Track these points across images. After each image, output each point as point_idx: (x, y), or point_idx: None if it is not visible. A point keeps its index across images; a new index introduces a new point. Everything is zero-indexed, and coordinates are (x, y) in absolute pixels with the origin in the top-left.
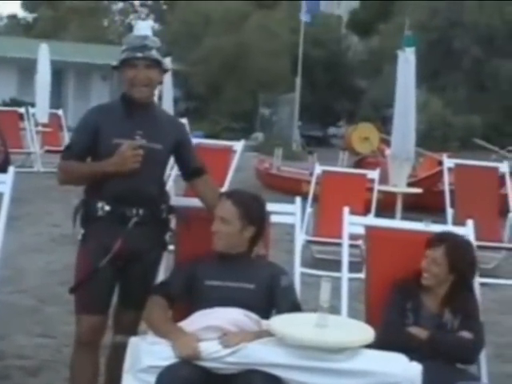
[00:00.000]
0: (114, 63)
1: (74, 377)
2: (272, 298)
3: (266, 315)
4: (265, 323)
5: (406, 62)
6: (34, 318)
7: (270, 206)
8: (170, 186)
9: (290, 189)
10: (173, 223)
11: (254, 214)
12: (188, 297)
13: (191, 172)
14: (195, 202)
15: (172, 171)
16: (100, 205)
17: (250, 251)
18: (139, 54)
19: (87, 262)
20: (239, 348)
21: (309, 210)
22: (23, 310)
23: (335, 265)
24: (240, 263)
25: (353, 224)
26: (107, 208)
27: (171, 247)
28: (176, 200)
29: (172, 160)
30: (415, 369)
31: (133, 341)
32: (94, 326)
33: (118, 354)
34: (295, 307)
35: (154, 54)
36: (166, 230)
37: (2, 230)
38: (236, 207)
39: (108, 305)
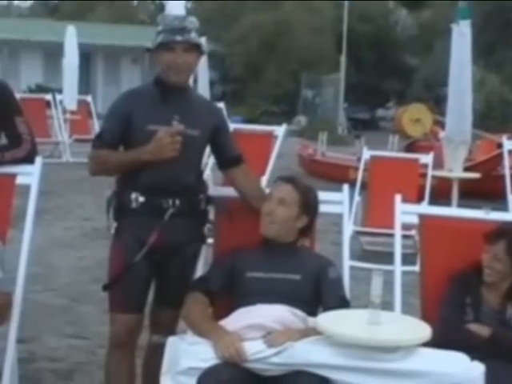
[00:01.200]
0: (149, 45)
1: (110, 380)
2: (319, 290)
3: (312, 309)
4: (312, 320)
5: (461, 36)
6: (66, 318)
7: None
8: (207, 175)
9: (335, 176)
10: (212, 215)
11: (310, 204)
12: (229, 292)
13: (228, 161)
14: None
15: (209, 159)
16: (134, 196)
17: (296, 242)
18: (179, 38)
19: (121, 257)
20: (285, 348)
21: (357, 198)
22: (54, 310)
23: (387, 257)
24: (285, 253)
25: (405, 213)
26: (141, 199)
27: (210, 240)
28: (215, 190)
29: (208, 148)
30: (477, 369)
31: (171, 341)
32: (129, 326)
33: (155, 355)
34: (344, 303)
35: (194, 36)
36: (204, 221)
37: (30, 224)
38: (297, 193)
39: (144, 302)
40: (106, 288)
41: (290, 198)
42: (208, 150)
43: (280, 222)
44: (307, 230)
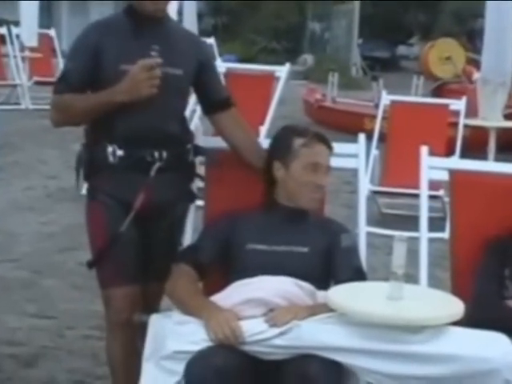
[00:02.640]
0: None
1: (120, 371)
2: (330, 262)
3: (323, 285)
4: (321, 295)
5: None
6: (28, 294)
7: None
8: (195, 124)
9: (348, 126)
10: (201, 170)
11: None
12: (223, 265)
13: (214, 104)
14: None
15: (197, 107)
16: (110, 149)
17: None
18: None
19: (104, 223)
20: (290, 327)
21: (374, 152)
22: (13, 284)
23: (410, 222)
24: (290, 220)
25: (433, 168)
26: (120, 152)
27: (199, 203)
28: (205, 140)
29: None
30: None
31: (154, 320)
32: (130, 298)
33: (135, 336)
34: (360, 275)
35: None
36: (192, 176)
37: None
38: (329, 153)
39: (138, 271)
40: (91, 264)
41: (329, 162)
42: (194, 95)
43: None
44: None
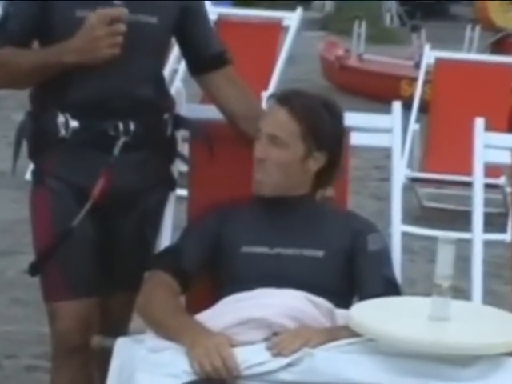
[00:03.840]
0: None
1: None
2: (353, 271)
3: (343, 301)
4: (341, 314)
5: None
6: None
7: (349, 119)
8: (177, 87)
9: (380, 91)
10: (184, 148)
11: (325, 132)
12: (212, 273)
13: (204, 61)
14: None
15: (180, 65)
16: (62, 119)
17: (314, 194)
18: None
19: (50, 218)
20: (300, 357)
21: (414, 126)
22: None
23: (459, 219)
24: (299, 214)
25: (491, 147)
26: (74, 124)
27: (182, 192)
28: (190, 109)
29: (176, 49)
30: None
31: (121, 346)
32: (84, 315)
33: (95, 365)
34: (392, 288)
35: None
36: (171, 156)
37: None
38: (296, 120)
39: (95, 280)
40: (34, 270)
41: (286, 131)
42: (176, 50)
43: (277, 173)
44: (330, 173)
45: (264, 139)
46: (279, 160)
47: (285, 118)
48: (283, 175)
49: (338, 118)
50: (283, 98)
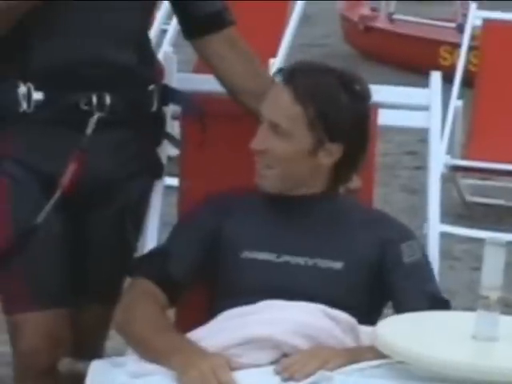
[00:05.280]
0: None
1: None
2: (385, 286)
3: (366, 317)
4: (366, 332)
5: None
6: None
7: (376, 93)
8: (165, 53)
9: (414, 60)
10: (174, 127)
11: (340, 118)
12: (208, 282)
13: (201, 21)
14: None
15: (169, 26)
16: (23, 89)
17: (332, 191)
18: None
19: (8, 212)
20: (316, 382)
21: (456, 103)
22: None
23: (510, 217)
24: (313, 216)
25: None
26: (38, 96)
27: (171, 181)
28: (181, 79)
29: (166, 4)
30: None
31: (96, 369)
32: (51, 331)
33: None
34: (439, 305)
35: None
36: (158, 137)
37: None
38: (301, 103)
39: (65, 287)
40: None
41: (288, 117)
42: (165, 6)
43: (281, 167)
44: (350, 167)
45: (264, 127)
46: (280, 153)
47: (287, 100)
48: (287, 171)
49: (361, 98)
50: (287, 75)
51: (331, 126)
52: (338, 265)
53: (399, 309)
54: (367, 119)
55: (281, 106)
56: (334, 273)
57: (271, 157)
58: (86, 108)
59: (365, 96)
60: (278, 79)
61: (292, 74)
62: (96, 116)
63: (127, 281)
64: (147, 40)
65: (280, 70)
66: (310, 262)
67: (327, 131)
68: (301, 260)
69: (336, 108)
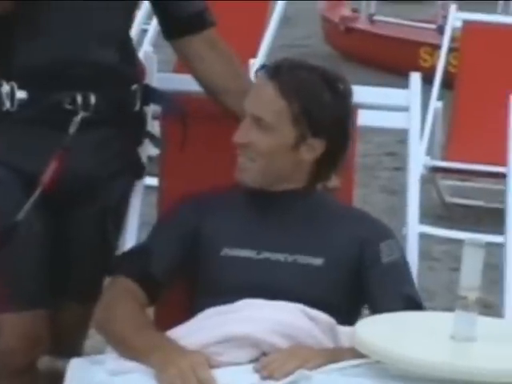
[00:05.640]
0: None
1: None
2: (364, 287)
3: (346, 317)
4: (345, 331)
5: None
6: None
7: (356, 94)
8: (146, 52)
9: (395, 61)
10: (154, 127)
11: (323, 113)
12: (188, 280)
13: (182, 22)
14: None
15: (150, 26)
16: (6, 88)
17: (312, 188)
18: None
19: None
20: (295, 380)
21: (436, 104)
22: None
23: (489, 218)
24: (293, 212)
25: None
26: (21, 95)
27: (151, 181)
28: (162, 79)
29: (147, 4)
30: None
31: (75, 367)
32: (29, 330)
33: None
34: (413, 307)
35: None
36: (139, 136)
37: None
38: (285, 98)
39: (44, 287)
40: None
41: (272, 111)
42: (145, 7)
43: (263, 162)
44: (331, 163)
45: (247, 121)
46: (263, 146)
47: (271, 95)
48: (269, 165)
49: (343, 96)
50: (272, 71)
51: (314, 122)
52: (318, 261)
53: (374, 308)
54: (349, 117)
55: (265, 100)
56: (314, 269)
57: (254, 150)
58: (69, 107)
59: (347, 94)
60: (261, 75)
61: (277, 70)
62: (80, 116)
63: (107, 280)
64: (129, 39)
65: (263, 66)
66: (290, 258)
67: (310, 126)
68: (281, 256)
69: (319, 104)
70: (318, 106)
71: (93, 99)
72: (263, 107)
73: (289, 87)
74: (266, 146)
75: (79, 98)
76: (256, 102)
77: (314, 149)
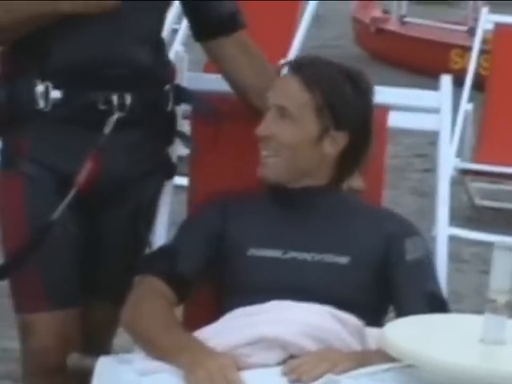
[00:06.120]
0: None
1: None
2: (389, 284)
3: (374, 318)
4: (373, 334)
5: None
6: None
7: (384, 95)
8: (177, 53)
9: (425, 62)
10: (184, 126)
11: (345, 107)
12: (216, 280)
13: (212, 24)
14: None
15: (180, 25)
16: (41, 87)
17: (337, 185)
18: None
19: (24, 210)
20: None
21: (466, 106)
22: None
23: None
24: (319, 210)
25: None
26: (57, 94)
27: (181, 180)
28: (192, 79)
29: (177, 4)
30: None
31: (103, 366)
32: (62, 329)
33: None
34: (437, 305)
35: None
36: (171, 136)
37: None
38: (309, 91)
39: (77, 287)
40: (3, 272)
41: (297, 102)
42: (176, 8)
43: (285, 154)
44: (355, 158)
45: (271, 113)
46: (286, 138)
47: (296, 89)
48: (293, 158)
49: (365, 92)
50: (296, 66)
51: (337, 115)
52: (344, 259)
53: (398, 305)
54: (371, 112)
55: (289, 93)
56: (341, 268)
57: (277, 143)
58: (104, 107)
59: (368, 89)
60: (284, 71)
61: (299, 65)
62: (116, 116)
63: (135, 278)
64: (161, 39)
65: (287, 62)
66: (317, 257)
67: (333, 119)
68: (307, 256)
69: (341, 97)
70: (341, 99)
71: (128, 99)
72: (288, 98)
73: (312, 80)
74: (290, 137)
75: (115, 99)
76: (280, 94)
77: (337, 142)
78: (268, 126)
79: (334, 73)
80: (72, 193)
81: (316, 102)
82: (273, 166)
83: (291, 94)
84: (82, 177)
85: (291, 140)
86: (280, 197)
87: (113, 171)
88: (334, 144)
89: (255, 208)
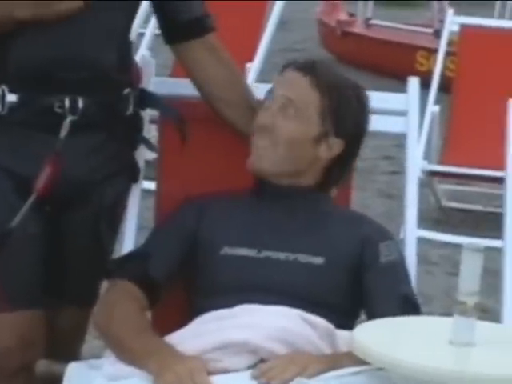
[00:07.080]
0: None
1: None
2: (362, 286)
3: (345, 320)
4: (344, 337)
5: None
6: None
7: None
8: (143, 56)
9: (391, 65)
10: (151, 131)
11: (348, 116)
12: (187, 283)
13: (183, 27)
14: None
15: (147, 30)
16: None
17: (321, 189)
18: None
19: None
20: None
21: (433, 108)
22: None
23: (487, 222)
24: (296, 211)
25: None
26: (12, 98)
27: (149, 185)
28: (159, 83)
29: (144, 7)
30: None
31: (72, 371)
32: (25, 332)
33: None
34: (410, 308)
35: None
36: (135, 141)
37: None
38: (319, 92)
39: (40, 288)
40: None
41: (304, 98)
42: (144, 8)
43: (283, 147)
44: (342, 169)
45: (275, 104)
46: (287, 131)
47: (305, 87)
48: (289, 153)
49: (365, 104)
50: (307, 67)
51: (340, 122)
52: (319, 260)
53: (370, 307)
54: (367, 128)
55: (298, 88)
56: (315, 268)
57: (275, 134)
58: (59, 111)
59: (367, 103)
60: (292, 70)
61: (312, 67)
62: (69, 119)
63: (104, 283)
64: (128, 42)
65: (294, 63)
66: (291, 257)
67: (335, 125)
68: (282, 255)
69: (347, 107)
70: (346, 109)
71: (80, 103)
72: (296, 92)
73: (323, 83)
74: (290, 131)
75: (67, 102)
76: (289, 87)
77: (332, 148)
78: (271, 117)
79: (343, 82)
80: (31, 198)
81: (323, 105)
82: (266, 158)
83: (300, 89)
84: (40, 182)
85: (291, 134)
86: (262, 192)
87: (72, 175)
88: (329, 150)
89: (230, 208)
